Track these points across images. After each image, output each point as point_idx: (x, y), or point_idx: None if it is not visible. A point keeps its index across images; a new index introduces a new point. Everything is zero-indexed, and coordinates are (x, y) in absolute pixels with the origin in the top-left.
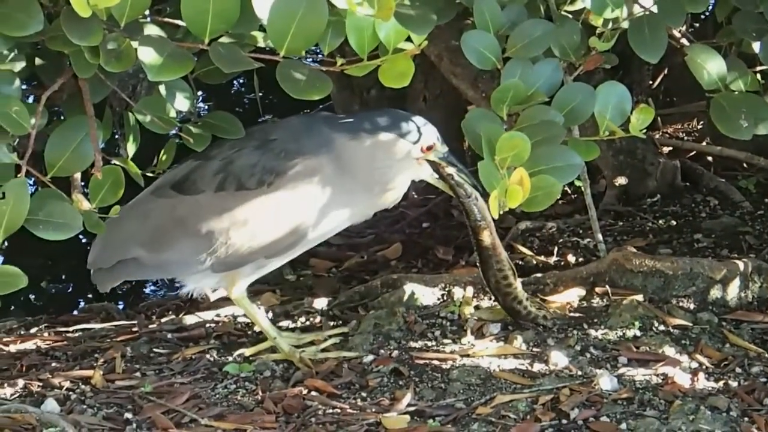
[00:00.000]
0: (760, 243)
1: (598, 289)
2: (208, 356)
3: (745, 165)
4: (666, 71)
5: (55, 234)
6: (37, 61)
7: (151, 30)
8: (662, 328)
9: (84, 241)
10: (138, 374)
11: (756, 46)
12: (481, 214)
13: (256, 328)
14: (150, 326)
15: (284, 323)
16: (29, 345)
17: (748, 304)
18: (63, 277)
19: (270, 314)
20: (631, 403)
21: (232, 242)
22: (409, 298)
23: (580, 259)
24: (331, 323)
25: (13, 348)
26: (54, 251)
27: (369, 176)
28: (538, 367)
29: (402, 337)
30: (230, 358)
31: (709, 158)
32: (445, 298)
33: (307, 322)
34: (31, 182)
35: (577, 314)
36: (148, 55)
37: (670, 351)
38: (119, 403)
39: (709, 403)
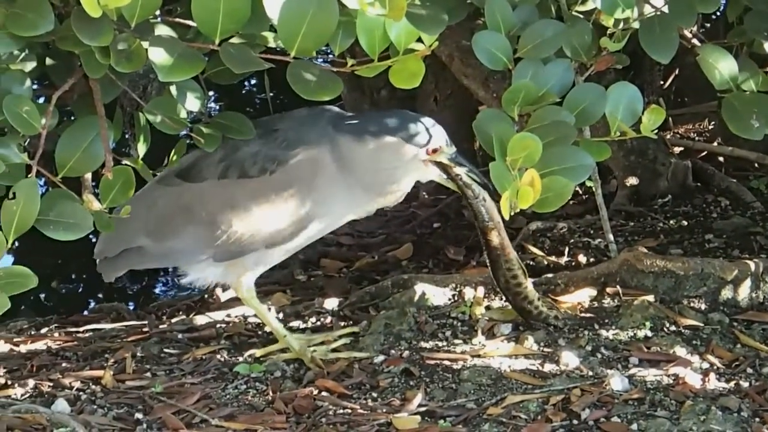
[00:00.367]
0: None
1: (609, 290)
2: (218, 356)
3: (756, 165)
4: (677, 71)
5: (66, 234)
6: (48, 61)
7: (162, 30)
8: (673, 328)
9: (94, 241)
10: (148, 374)
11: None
12: (489, 215)
13: (267, 329)
14: (160, 326)
15: (295, 323)
16: (40, 345)
17: (759, 304)
18: (73, 277)
19: (281, 314)
20: (642, 404)
21: (233, 230)
22: (419, 298)
23: (591, 260)
24: (342, 323)
25: (23, 348)
26: (64, 251)
27: (372, 177)
28: (549, 367)
29: (413, 337)
30: (241, 359)
31: (721, 158)
32: (455, 298)
33: (318, 323)
34: (42, 182)
35: (588, 314)
36: (158, 56)
37: (681, 351)
38: (130, 404)
39: (720, 403)
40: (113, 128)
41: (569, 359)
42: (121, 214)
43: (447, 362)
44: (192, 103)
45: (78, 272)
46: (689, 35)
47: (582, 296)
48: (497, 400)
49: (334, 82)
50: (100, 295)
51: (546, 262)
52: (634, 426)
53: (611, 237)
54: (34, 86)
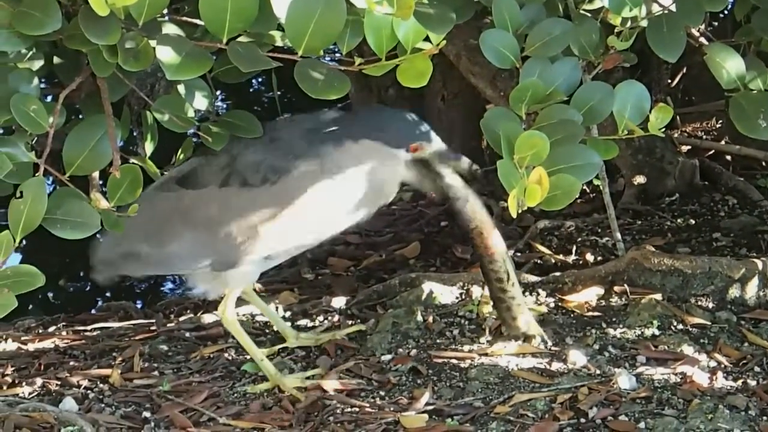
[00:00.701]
0: None
1: (616, 288)
2: (226, 355)
3: (763, 164)
4: (685, 70)
5: (73, 233)
6: (56, 59)
7: (170, 29)
8: (681, 327)
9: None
10: (156, 373)
11: None
12: (469, 217)
13: (275, 328)
14: (168, 325)
15: (302, 322)
16: (47, 344)
17: (766, 302)
18: (81, 275)
19: (288, 313)
20: (650, 402)
21: (232, 238)
22: (427, 296)
23: (599, 258)
24: (350, 322)
25: (31, 347)
26: (72, 250)
27: (357, 182)
28: (556, 366)
29: (420, 335)
30: (248, 357)
31: (728, 157)
32: (463, 296)
33: (326, 321)
34: (49, 181)
35: (595, 313)
36: (166, 54)
37: (688, 350)
38: (137, 402)
39: (728, 402)
40: (121, 127)
41: (577, 358)
42: (129, 213)
43: (454, 361)
44: (199, 101)
45: (86, 271)
46: (697, 34)
47: (589, 295)
48: (505, 399)
49: (342, 81)
50: (108, 294)
51: (553, 261)
52: (642, 425)
53: (619, 235)
54: (42, 85)
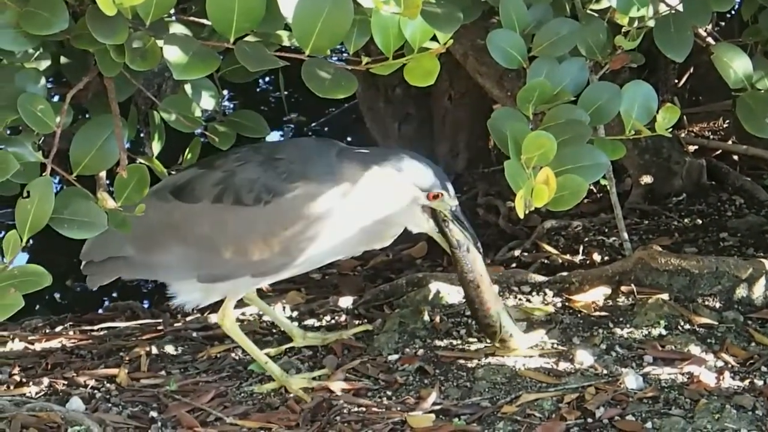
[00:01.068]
0: None
1: (623, 288)
2: (233, 355)
3: None
4: (692, 70)
5: (80, 232)
6: (63, 59)
7: (177, 29)
8: (688, 326)
9: None
10: (163, 373)
11: None
12: (469, 267)
13: (282, 328)
14: (175, 325)
15: (309, 322)
16: (54, 343)
17: None
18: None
19: (295, 313)
20: (657, 402)
21: (220, 254)
22: (434, 296)
23: (606, 258)
24: (356, 322)
25: (38, 346)
26: (79, 250)
27: (370, 210)
28: (563, 365)
29: (427, 335)
30: (254, 358)
31: (735, 157)
32: None
33: (332, 321)
34: (56, 181)
35: (602, 313)
36: (173, 54)
37: (695, 350)
38: (144, 402)
39: (735, 401)
40: (128, 126)
41: (584, 358)
42: (136, 213)
43: (461, 361)
44: (206, 101)
45: None
46: (704, 34)
47: (596, 295)
48: (512, 399)
49: (349, 80)
50: (115, 294)
51: (560, 261)
52: (649, 424)
53: (626, 235)
54: (49, 85)
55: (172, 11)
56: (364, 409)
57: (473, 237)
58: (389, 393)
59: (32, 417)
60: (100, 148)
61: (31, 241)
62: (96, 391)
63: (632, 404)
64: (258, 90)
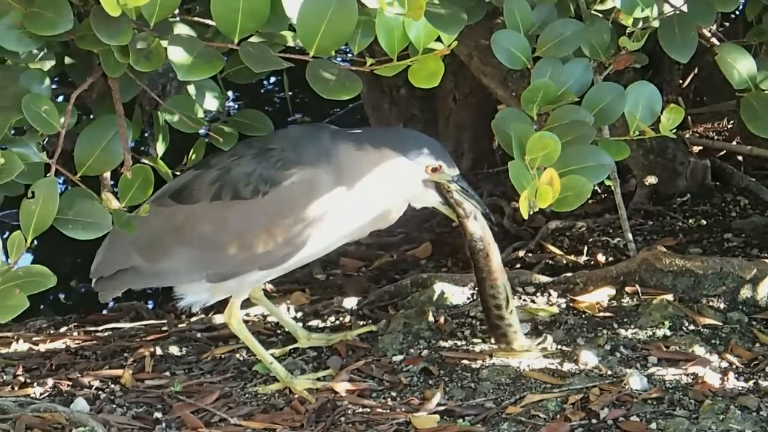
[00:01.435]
0: None
1: (628, 289)
2: (237, 355)
3: None
4: (696, 70)
5: (85, 233)
6: (67, 60)
7: (181, 29)
8: (692, 327)
9: None
10: (167, 373)
11: None
12: (478, 235)
13: (286, 329)
14: (179, 325)
15: (314, 322)
16: (59, 344)
17: None
18: None
19: (300, 314)
20: (661, 403)
21: (226, 251)
22: (438, 297)
23: (610, 259)
24: (361, 322)
25: (42, 347)
26: (83, 250)
27: (369, 190)
28: (567, 366)
29: (432, 336)
30: (259, 358)
31: (740, 158)
32: (474, 297)
33: (337, 322)
34: (61, 181)
35: (607, 314)
36: (177, 55)
37: (700, 350)
38: (149, 403)
39: (739, 402)
40: (132, 127)
41: (588, 358)
42: (140, 213)
43: (466, 361)
44: (210, 102)
45: None
46: (708, 34)
47: (601, 295)
48: (516, 400)
49: (354, 81)
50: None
51: (565, 261)
52: (653, 425)
53: (630, 236)
54: (53, 85)
55: (177, 12)
56: (368, 409)
57: (480, 204)
58: (394, 394)
59: (37, 418)
60: (105, 149)
61: (35, 242)
62: (100, 392)
63: (637, 405)
64: (262, 91)
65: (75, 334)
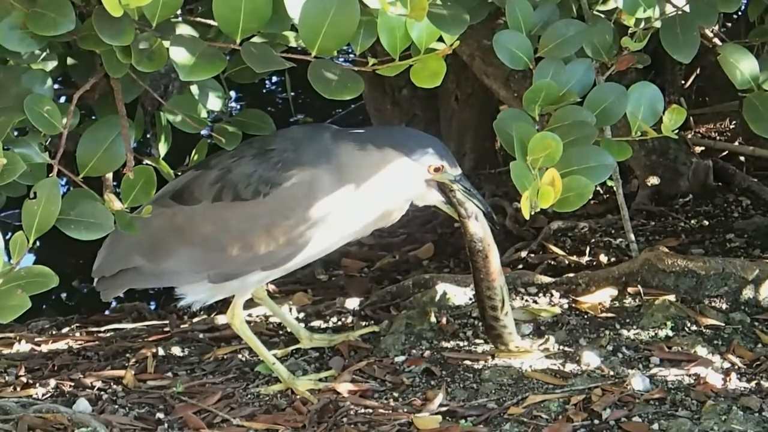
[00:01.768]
0: None
1: (630, 289)
2: (239, 356)
3: None
4: (698, 71)
5: (87, 234)
6: (69, 60)
7: (183, 29)
8: (694, 328)
9: None
10: (170, 374)
11: None
12: (479, 236)
13: (288, 329)
14: (182, 326)
15: (316, 323)
16: (61, 345)
17: None
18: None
19: (302, 314)
20: (663, 404)
21: (227, 252)
22: (441, 298)
23: (613, 259)
24: (363, 323)
25: (45, 348)
26: (86, 251)
27: (371, 190)
28: (570, 367)
29: (434, 337)
30: (261, 358)
31: (742, 158)
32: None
33: (339, 322)
34: (63, 182)
35: (609, 314)
36: (179, 55)
37: (702, 351)
38: (151, 403)
39: (742, 403)
40: (134, 127)
41: (590, 359)
42: (143, 214)
43: (468, 362)
44: (213, 102)
45: None
46: (710, 34)
47: (603, 296)
48: (518, 400)
49: (356, 82)
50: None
51: (567, 262)
52: (655, 426)
53: (632, 236)
54: (56, 86)
55: (179, 12)
56: (370, 410)
57: (482, 204)
58: (396, 394)
59: (39, 418)
60: (107, 150)
61: (37, 242)
62: (103, 393)
63: (639, 405)
64: (265, 91)
65: (77, 334)
